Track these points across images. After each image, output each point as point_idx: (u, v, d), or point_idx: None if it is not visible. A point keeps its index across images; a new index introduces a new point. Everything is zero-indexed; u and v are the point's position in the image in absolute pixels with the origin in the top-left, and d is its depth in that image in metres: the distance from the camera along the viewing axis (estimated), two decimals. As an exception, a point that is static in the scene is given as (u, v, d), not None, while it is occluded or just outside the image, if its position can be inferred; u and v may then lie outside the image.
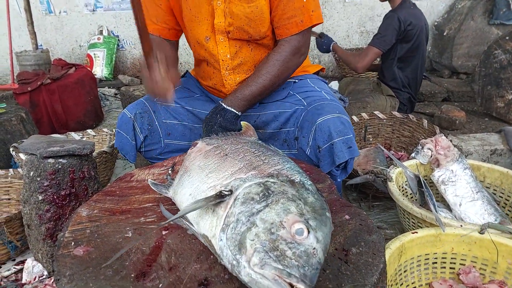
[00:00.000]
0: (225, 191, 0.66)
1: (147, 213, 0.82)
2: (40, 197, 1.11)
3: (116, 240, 0.72)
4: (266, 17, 1.15)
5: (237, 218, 0.60)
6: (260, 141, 0.93)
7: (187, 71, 1.51)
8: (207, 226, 0.65)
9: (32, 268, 1.21)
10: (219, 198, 0.64)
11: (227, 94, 1.25)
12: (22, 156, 1.83)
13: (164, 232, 0.75)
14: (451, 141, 1.71)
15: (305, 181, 0.68)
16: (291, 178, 0.67)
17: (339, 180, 1.15)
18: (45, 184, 1.11)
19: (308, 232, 0.56)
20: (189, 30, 1.23)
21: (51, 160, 1.12)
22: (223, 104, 1.15)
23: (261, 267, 0.53)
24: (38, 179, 1.10)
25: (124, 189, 0.95)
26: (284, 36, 1.17)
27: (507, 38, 2.37)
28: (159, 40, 1.26)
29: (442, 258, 1.09)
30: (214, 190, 0.69)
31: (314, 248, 0.55)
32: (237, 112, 1.14)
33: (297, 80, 1.32)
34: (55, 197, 1.11)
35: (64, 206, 1.13)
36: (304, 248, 0.55)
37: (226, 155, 0.80)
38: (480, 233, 1.04)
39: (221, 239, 0.60)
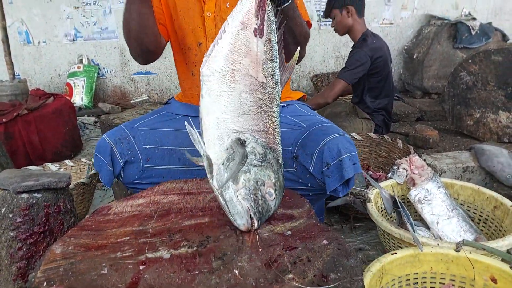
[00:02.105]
0: (242, 141, 0.88)
1: (124, 247, 0.81)
2: (12, 234, 1.06)
3: (91, 277, 0.70)
4: None
5: None
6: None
7: (172, 97, 1.55)
8: (217, 153, 0.86)
9: (2, 311, 1.14)
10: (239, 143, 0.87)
11: None
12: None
13: (141, 267, 0.73)
14: (425, 160, 1.77)
15: (282, 165, 0.94)
16: (278, 159, 0.93)
17: (341, 195, 1.20)
18: (17, 221, 1.06)
19: (275, 196, 0.88)
20: (185, 35, 1.34)
21: (24, 195, 1.08)
22: None
23: (243, 198, 0.84)
24: (11, 215, 1.06)
25: (100, 222, 0.93)
26: None
27: (470, 61, 2.54)
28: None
29: (422, 278, 1.10)
30: (234, 135, 0.88)
31: (272, 207, 0.88)
32: None
33: (285, 105, 1.40)
34: (28, 233, 1.07)
35: (38, 243, 1.09)
36: (267, 204, 0.87)
37: (265, 112, 0.93)
38: (456, 251, 1.07)
39: (223, 164, 0.84)
